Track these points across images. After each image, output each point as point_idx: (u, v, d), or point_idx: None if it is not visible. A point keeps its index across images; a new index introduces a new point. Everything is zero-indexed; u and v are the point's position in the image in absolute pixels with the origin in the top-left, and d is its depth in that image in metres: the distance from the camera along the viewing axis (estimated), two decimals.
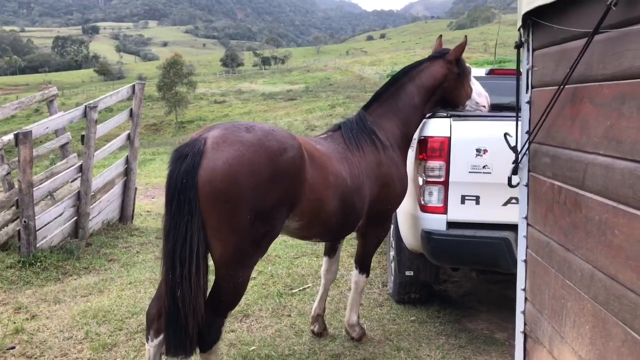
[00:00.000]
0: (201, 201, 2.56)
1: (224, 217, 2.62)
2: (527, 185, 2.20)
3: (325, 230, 3.35)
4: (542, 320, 2.03)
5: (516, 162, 2.16)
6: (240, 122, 2.88)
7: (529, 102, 2.18)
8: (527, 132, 2.17)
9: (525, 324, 2.22)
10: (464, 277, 5.69)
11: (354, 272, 4.03)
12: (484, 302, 4.99)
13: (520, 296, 2.26)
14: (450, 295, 5.20)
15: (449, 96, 4.03)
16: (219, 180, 2.56)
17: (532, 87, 2.14)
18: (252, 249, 2.78)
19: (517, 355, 2.28)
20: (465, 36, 4.06)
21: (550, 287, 1.95)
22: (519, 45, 2.19)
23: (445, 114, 3.99)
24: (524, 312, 2.24)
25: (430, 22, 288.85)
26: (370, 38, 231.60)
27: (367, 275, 4.04)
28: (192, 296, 2.61)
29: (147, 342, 2.97)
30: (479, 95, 4.08)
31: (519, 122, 2.24)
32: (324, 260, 4.15)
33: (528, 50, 2.17)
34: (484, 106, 4.08)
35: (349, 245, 6.46)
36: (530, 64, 2.16)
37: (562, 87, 1.74)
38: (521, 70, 2.25)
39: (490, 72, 5.42)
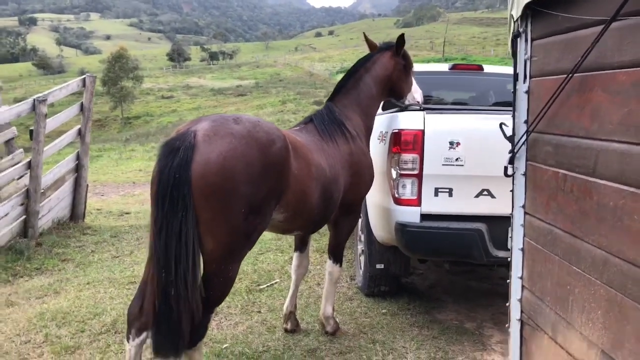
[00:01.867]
0: (195, 196, 2.48)
1: (218, 211, 2.55)
2: (524, 174, 2.22)
3: (307, 221, 3.34)
4: (543, 307, 2.05)
5: (512, 151, 2.17)
6: (225, 114, 2.81)
7: (527, 92, 2.20)
8: (525, 122, 2.19)
9: (522, 311, 2.24)
10: (429, 269, 5.76)
11: (328, 263, 4.03)
12: (449, 293, 5.06)
13: (517, 284, 2.28)
14: (418, 287, 5.25)
15: (395, 87, 4.20)
16: (213, 173, 2.49)
17: (531, 77, 2.16)
18: (243, 243, 2.75)
19: (513, 342, 2.30)
20: (403, 34, 4.27)
21: (552, 274, 1.97)
22: (516, 36, 2.20)
23: (418, 107, 4.00)
24: (520, 300, 2.26)
25: (377, 19, 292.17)
26: (318, 34, 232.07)
27: (341, 265, 4.05)
28: (189, 295, 2.52)
29: (128, 342, 2.85)
30: (416, 91, 4.29)
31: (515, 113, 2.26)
32: (295, 256, 4.11)
33: (526, 40, 2.19)
34: (418, 102, 4.25)
35: (313, 240, 6.43)
36: (529, 54, 2.18)
37: (570, 75, 1.75)
38: (518, 61, 2.26)
39: (454, 67, 5.49)
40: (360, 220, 4.84)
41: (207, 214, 2.54)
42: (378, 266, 4.46)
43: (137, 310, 2.79)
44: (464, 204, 3.81)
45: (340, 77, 4.56)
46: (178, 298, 2.49)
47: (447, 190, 3.82)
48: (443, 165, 3.79)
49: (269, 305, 4.60)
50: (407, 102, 4.24)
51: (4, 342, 3.97)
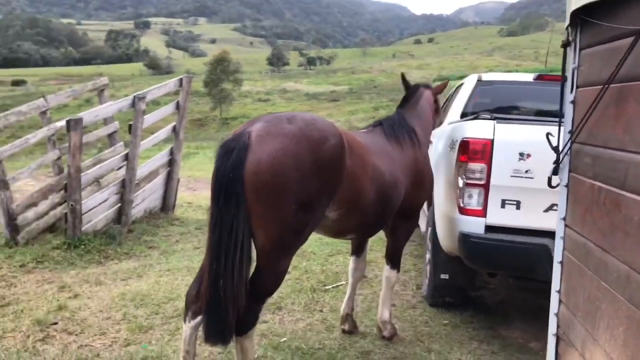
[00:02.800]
0: (247, 193, 2.63)
1: (268, 207, 2.69)
2: (567, 185, 2.17)
3: (361, 223, 3.39)
4: (576, 322, 1.99)
5: (557, 162, 2.12)
6: (282, 113, 2.93)
7: (573, 102, 2.15)
8: (569, 132, 2.13)
9: (558, 326, 2.18)
10: (501, 284, 5.58)
11: (386, 268, 4.08)
12: (520, 310, 4.89)
13: (554, 298, 2.23)
14: (486, 301, 5.12)
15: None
16: (264, 172, 2.63)
17: (577, 87, 2.11)
18: (293, 238, 2.85)
19: (548, 357, 2.24)
20: (448, 80, 4.79)
21: (585, 289, 1.91)
22: (565, 44, 2.15)
23: (489, 116, 3.94)
24: (557, 315, 2.20)
25: (480, 27, 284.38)
26: (418, 42, 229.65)
27: (398, 271, 4.10)
28: (235, 286, 2.67)
29: (185, 323, 3.05)
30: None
31: (562, 123, 2.21)
32: (352, 260, 4.18)
33: (575, 49, 2.13)
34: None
35: (378, 244, 6.45)
36: (577, 63, 2.13)
37: (607, 85, 1.70)
38: (566, 70, 2.21)
39: (539, 78, 5.31)
40: (429, 228, 4.82)
41: (259, 210, 2.68)
42: (443, 276, 4.42)
43: (194, 294, 2.98)
44: (531, 217, 3.69)
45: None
46: (225, 289, 2.64)
47: (515, 202, 3.72)
48: (512, 176, 3.70)
49: (331, 305, 4.69)
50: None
51: (88, 316, 4.37)
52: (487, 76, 5.77)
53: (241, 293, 2.71)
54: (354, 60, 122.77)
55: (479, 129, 3.82)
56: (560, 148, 2.16)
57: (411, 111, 4.25)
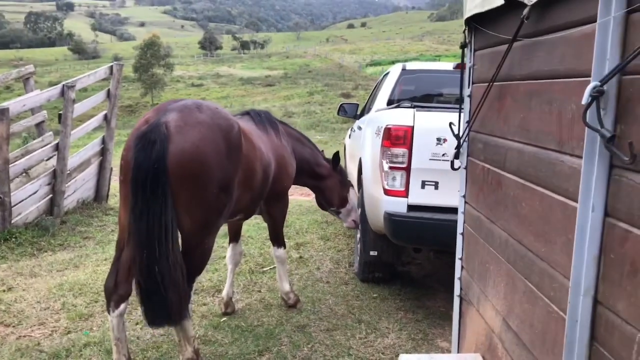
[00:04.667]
0: (172, 182, 2.77)
1: (194, 193, 2.88)
2: (466, 168, 2.50)
3: (250, 201, 3.65)
4: (473, 283, 2.33)
5: (458, 147, 2.44)
6: (185, 101, 3.11)
7: (469, 96, 2.46)
8: (467, 122, 2.45)
9: (461, 289, 2.52)
10: (426, 260, 6.00)
11: (273, 249, 4.44)
12: (443, 283, 5.28)
13: (457, 264, 2.57)
14: (412, 276, 5.50)
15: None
16: (188, 161, 2.80)
17: (473, 83, 2.42)
18: (216, 219, 3.10)
19: (454, 316, 2.58)
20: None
21: (479, 254, 2.25)
22: (463, 46, 2.46)
23: (409, 105, 4.25)
24: (460, 279, 2.54)
25: (411, 12, 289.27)
26: (351, 26, 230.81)
27: (285, 247, 4.47)
28: (173, 269, 2.82)
29: (110, 314, 3.14)
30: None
31: (462, 114, 2.53)
32: (230, 247, 4.44)
33: (470, 50, 2.44)
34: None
35: (313, 226, 6.72)
36: (472, 62, 2.44)
37: (491, 83, 2.01)
38: (465, 67, 2.53)
39: (457, 67, 5.69)
40: (359, 210, 5.12)
41: (184, 197, 2.86)
42: (372, 253, 4.73)
43: (112, 286, 3.10)
44: (448, 197, 4.04)
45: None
46: (162, 273, 2.78)
47: (434, 183, 4.07)
48: (430, 159, 4.03)
49: (269, 285, 4.92)
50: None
51: (25, 308, 4.38)
52: (411, 65, 6.11)
53: (179, 276, 2.86)
54: (288, 45, 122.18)
55: (400, 117, 4.13)
56: (460, 135, 2.47)
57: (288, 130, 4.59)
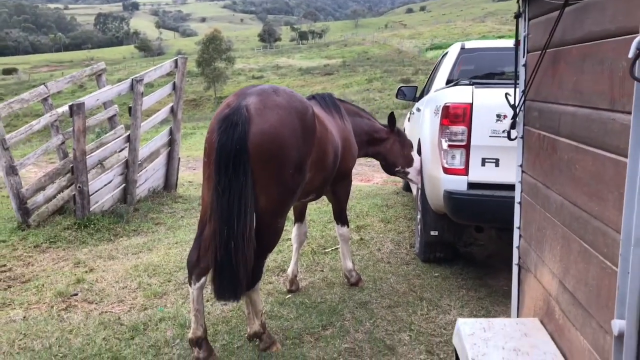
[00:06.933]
0: (252, 162, 2.93)
1: (271, 173, 3.03)
2: (522, 137, 2.50)
3: (321, 182, 3.76)
4: (530, 250, 2.34)
5: (514, 117, 2.44)
6: (263, 86, 3.25)
7: (524, 66, 2.46)
8: (522, 91, 2.45)
9: (519, 257, 2.54)
10: (489, 240, 5.94)
11: (337, 227, 4.51)
12: (507, 263, 5.19)
13: (516, 234, 2.58)
14: (475, 256, 5.48)
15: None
16: (267, 141, 2.95)
17: (528, 52, 2.42)
18: (290, 198, 3.23)
19: (513, 284, 2.59)
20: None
21: (536, 221, 2.26)
22: (517, 15, 2.45)
23: (467, 82, 4.22)
24: (518, 247, 2.55)
25: None
26: (409, 11, 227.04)
27: (348, 226, 4.53)
28: (246, 247, 2.97)
29: (191, 286, 3.34)
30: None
31: (517, 84, 2.53)
32: (295, 227, 4.51)
33: (525, 19, 2.44)
34: None
35: (373, 209, 6.77)
36: (526, 31, 2.43)
37: (544, 51, 2.00)
38: (519, 38, 2.52)
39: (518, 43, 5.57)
40: (419, 191, 5.14)
41: (263, 177, 3.01)
42: (432, 233, 4.74)
43: (194, 260, 3.28)
44: (510, 173, 3.99)
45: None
46: (237, 249, 2.93)
47: (494, 160, 4.04)
48: (490, 136, 4.00)
49: (331, 265, 5.04)
50: None
51: (105, 287, 4.71)
52: (470, 44, 6.03)
53: (251, 253, 3.02)
54: (346, 33, 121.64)
55: (458, 95, 4.12)
56: (516, 106, 2.47)
57: (347, 107, 4.65)
